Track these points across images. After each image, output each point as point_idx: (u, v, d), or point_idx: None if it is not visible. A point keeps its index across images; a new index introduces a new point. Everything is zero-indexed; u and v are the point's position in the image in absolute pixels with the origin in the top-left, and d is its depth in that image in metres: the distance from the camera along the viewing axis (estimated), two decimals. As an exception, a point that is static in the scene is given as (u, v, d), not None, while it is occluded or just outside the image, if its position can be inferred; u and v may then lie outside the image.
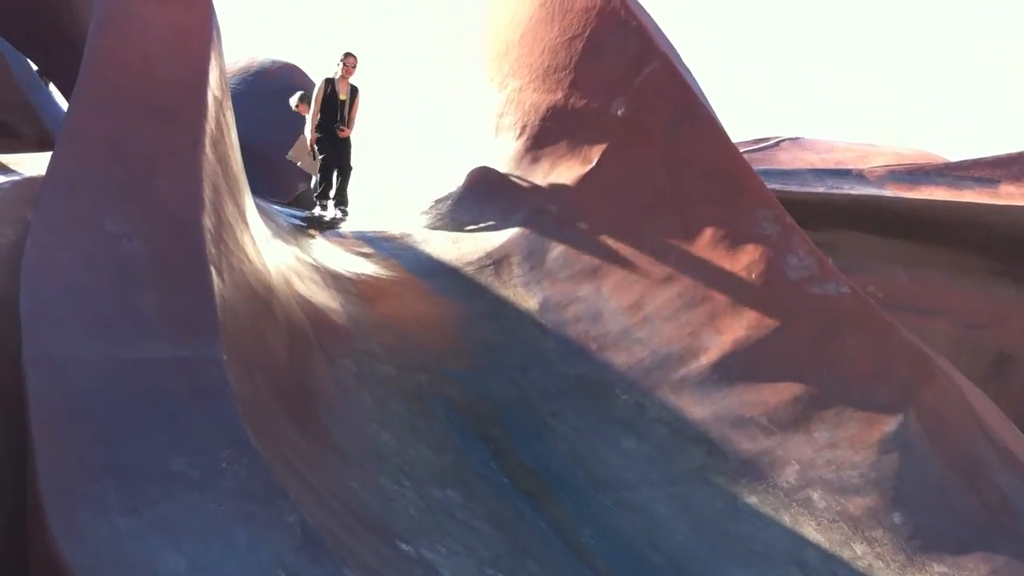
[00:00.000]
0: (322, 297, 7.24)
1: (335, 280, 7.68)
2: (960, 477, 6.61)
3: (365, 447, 5.77)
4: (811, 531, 6.24)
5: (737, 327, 7.46)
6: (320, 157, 10.50)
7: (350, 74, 10.46)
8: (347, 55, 10.52)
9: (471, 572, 5.13)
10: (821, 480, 6.53)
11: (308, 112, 10.69)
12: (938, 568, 6.08)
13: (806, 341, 7.36)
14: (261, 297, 6.14)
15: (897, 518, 6.33)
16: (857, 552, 6.17)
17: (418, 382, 6.84)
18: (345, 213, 10.32)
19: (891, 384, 7.06)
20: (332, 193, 10.57)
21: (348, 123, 10.52)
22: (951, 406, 7.16)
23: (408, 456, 5.92)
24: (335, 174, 10.57)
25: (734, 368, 7.24)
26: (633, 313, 7.73)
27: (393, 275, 8.24)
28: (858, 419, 6.81)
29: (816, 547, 6.15)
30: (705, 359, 7.32)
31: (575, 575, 5.71)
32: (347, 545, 4.55)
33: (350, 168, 10.59)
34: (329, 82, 10.45)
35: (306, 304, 6.88)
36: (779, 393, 7.03)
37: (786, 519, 6.36)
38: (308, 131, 10.60)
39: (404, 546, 4.99)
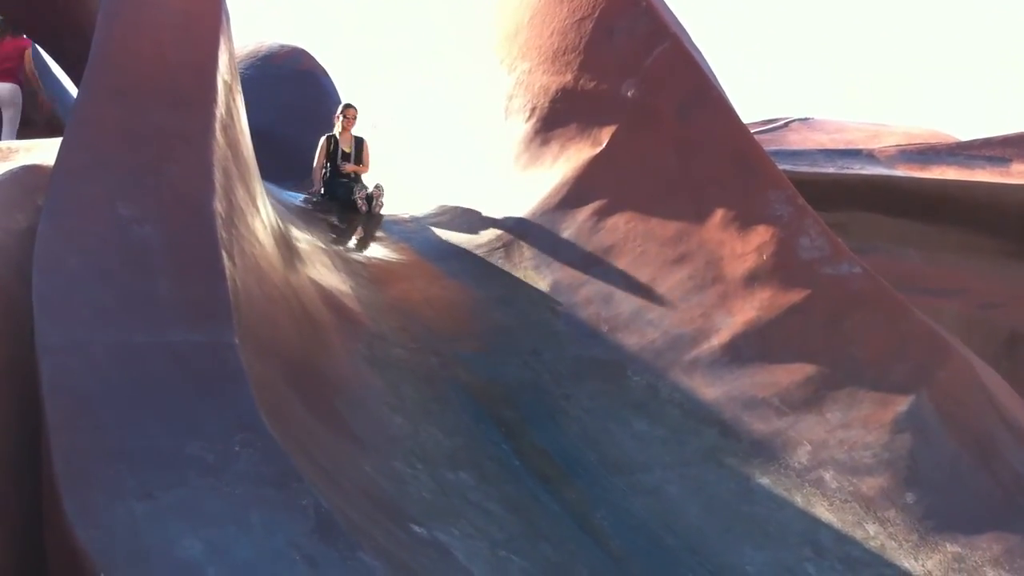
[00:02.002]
0: (333, 281, 7.25)
1: (345, 264, 7.69)
2: (974, 457, 6.60)
3: (378, 430, 5.79)
4: (824, 511, 6.24)
5: (749, 308, 7.45)
6: (333, 200, 10.10)
7: (351, 126, 10.26)
8: (346, 107, 10.30)
9: (484, 554, 5.14)
10: (834, 460, 6.53)
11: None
12: (951, 548, 6.08)
13: (819, 322, 7.35)
14: (273, 281, 6.15)
15: (910, 498, 6.32)
16: (870, 532, 6.17)
17: (430, 365, 6.85)
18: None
19: (904, 365, 7.05)
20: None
21: (362, 164, 10.32)
22: (964, 386, 7.14)
23: (421, 439, 5.94)
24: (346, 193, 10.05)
25: (746, 349, 7.23)
26: (645, 295, 7.72)
27: (403, 258, 8.26)
28: (871, 400, 6.80)
29: (829, 527, 6.15)
30: (717, 340, 7.32)
31: (589, 557, 5.72)
32: (361, 528, 4.57)
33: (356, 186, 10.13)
34: (331, 139, 10.20)
35: (317, 288, 6.89)
36: (791, 374, 7.02)
37: (799, 500, 6.36)
38: (315, 179, 10.29)
39: (418, 529, 5.00)
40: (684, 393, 7.04)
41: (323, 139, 10.08)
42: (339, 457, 5.23)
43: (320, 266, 7.33)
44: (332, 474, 4.91)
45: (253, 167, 6.93)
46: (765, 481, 6.47)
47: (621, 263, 7.98)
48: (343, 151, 10.06)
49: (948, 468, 6.49)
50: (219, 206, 5.70)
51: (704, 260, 7.82)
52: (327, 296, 6.90)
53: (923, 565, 6.00)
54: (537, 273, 8.09)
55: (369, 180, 10.30)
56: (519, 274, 8.11)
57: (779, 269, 7.60)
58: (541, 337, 7.40)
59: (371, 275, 7.72)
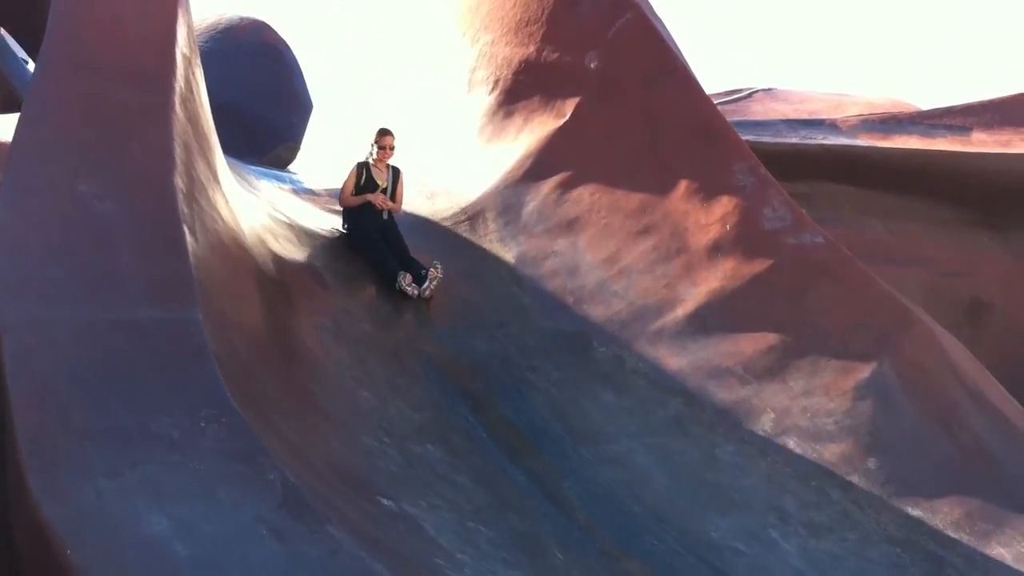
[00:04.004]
0: (298, 255, 7.22)
1: (310, 238, 7.66)
2: (935, 423, 6.70)
3: (345, 405, 5.79)
4: (788, 478, 6.31)
5: (713, 279, 7.50)
6: (362, 247, 8.05)
7: (388, 156, 8.42)
8: (383, 134, 8.47)
9: (453, 526, 5.17)
10: (797, 428, 6.61)
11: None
12: (913, 512, 6.18)
13: (782, 292, 7.41)
14: (236, 257, 6.11)
15: (872, 464, 6.41)
16: (833, 497, 6.25)
17: (396, 339, 6.85)
18: (424, 276, 7.65)
19: (866, 333, 7.13)
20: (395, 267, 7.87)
21: (396, 201, 8.39)
22: (926, 354, 7.24)
23: (388, 413, 5.95)
24: (385, 252, 7.96)
25: (710, 319, 7.29)
26: (610, 266, 7.75)
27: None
28: (833, 368, 6.88)
29: (792, 493, 6.23)
30: (682, 311, 7.37)
31: (556, 526, 5.77)
32: (329, 501, 4.58)
33: (403, 242, 8.11)
34: (362, 168, 8.37)
35: (282, 263, 6.86)
36: (755, 343, 7.08)
37: (763, 467, 6.43)
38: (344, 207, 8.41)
39: (386, 502, 5.02)
40: (650, 363, 7.08)
41: (353, 168, 8.37)
42: (306, 432, 5.23)
43: (284, 241, 7.29)
44: (299, 449, 4.91)
45: (214, 141, 6.87)
46: (730, 449, 6.55)
47: (586, 235, 8.00)
48: (377, 184, 8.31)
49: (909, 434, 6.59)
50: (180, 181, 5.65)
51: (669, 231, 7.86)
52: (292, 271, 6.87)
53: (886, 529, 6.10)
54: (502, 246, 8.10)
55: (331, 148, 10.16)
56: (484, 247, 8.11)
57: (743, 239, 7.65)
58: (507, 310, 7.41)
59: (336, 249, 7.68)
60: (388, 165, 8.45)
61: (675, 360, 7.09)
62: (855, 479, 6.33)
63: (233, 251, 6.13)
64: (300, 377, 5.72)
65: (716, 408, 6.78)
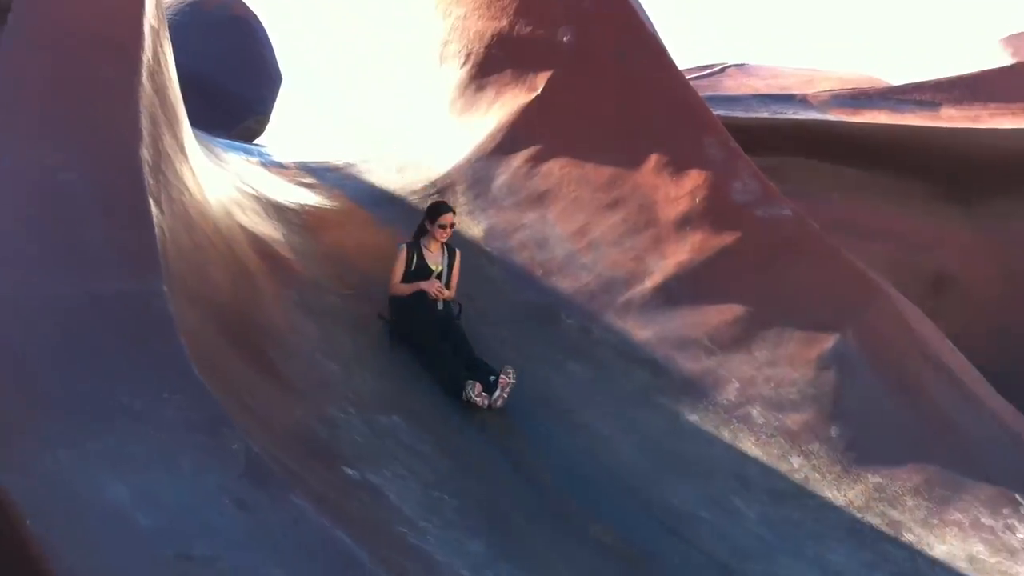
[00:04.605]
0: (265, 228, 7.21)
1: (277, 211, 7.65)
2: (896, 392, 6.79)
3: (310, 377, 5.80)
4: (750, 446, 6.39)
5: (681, 251, 7.55)
6: (416, 344, 6.92)
7: (446, 237, 7.24)
8: (441, 211, 7.24)
9: (416, 495, 5.21)
10: (761, 397, 6.68)
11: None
12: (872, 478, 6.27)
13: (749, 264, 7.47)
14: (203, 229, 6.11)
15: (834, 432, 6.49)
16: (794, 465, 6.33)
17: (362, 312, 6.87)
18: (494, 383, 6.60)
19: (831, 305, 7.21)
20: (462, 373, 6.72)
21: (451, 287, 7.25)
22: (889, 325, 7.32)
23: (353, 384, 5.97)
24: (446, 353, 6.83)
25: (678, 291, 7.34)
26: (578, 239, 7.79)
27: (336, 205, 8.22)
28: (798, 338, 6.95)
29: (755, 461, 6.31)
30: (650, 283, 7.41)
31: (521, 495, 5.82)
32: (293, 471, 4.60)
33: (465, 337, 7.00)
34: (413, 249, 7.16)
35: (249, 235, 6.86)
36: (721, 314, 7.14)
37: (726, 435, 6.51)
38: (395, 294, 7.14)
39: (350, 471, 5.05)
40: (617, 335, 7.14)
41: (402, 250, 7.14)
42: (271, 403, 5.24)
43: (252, 213, 7.29)
44: (263, 419, 4.93)
45: (181, 114, 6.85)
46: (694, 418, 6.61)
47: (556, 208, 8.03)
48: (430, 269, 7.13)
49: (871, 403, 6.67)
50: (146, 153, 5.64)
51: (638, 204, 7.89)
52: (259, 244, 6.87)
53: (845, 495, 6.18)
54: (472, 219, 8.12)
55: (304, 127, 10.06)
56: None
57: (712, 212, 7.70)
58: (476, 282, 7.43)
59: (304, 222, 7.68)
60: (443, 245, 7.25)
61: (642, 331, 7.15)
62: (816, 447, 6.42)
63: (200, 224, 6.12)
64: (265, 349, 5.73)
65: (682, 378, 6.84)
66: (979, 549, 5.94)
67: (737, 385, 6.78)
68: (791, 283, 7.35)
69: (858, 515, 6.05)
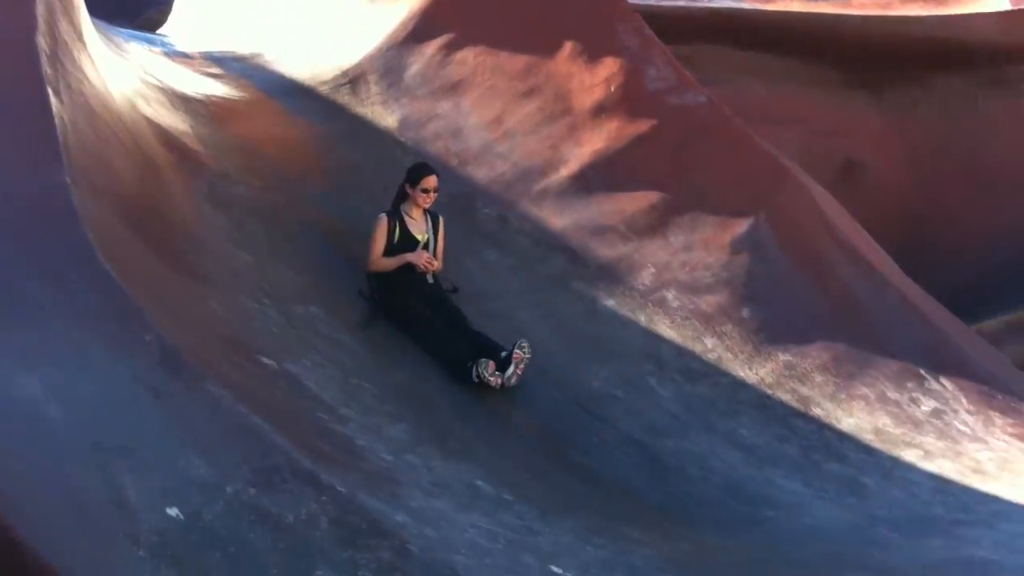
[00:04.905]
0: (171, 119, 7.00)
1: (184, 102, 7.42)
2: (806, 274, 6.94)
3: (223, 268, 5.71)
4: (665, 328, 6.50)
5: (597, 139, 7.54)
6: (408, 326, 6.30)
7: (430, 202, 6.65)
8: (424, 172, 6.66)
9: (336, 383, 5.21)
10: (675, 281, 6.78)
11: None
12: (782, 357, 6.43)
13: (664, 151, 7.51)
14: (106, 120, 5.91)
15: (745, 313, 6.63)
16: (708, 346, 6.47)
17: (276, 203, 6.75)
18: (507, 359, 6.06)
19: (744, 190, 7.30)
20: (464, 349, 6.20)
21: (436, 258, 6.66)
22: (800, 209, 7.45)
23: (268, 275, 5.90)
24: (443, 330, 6.30)
25: (594, 179, 7.35)
26: (494, 128, 7.73)
27: (245, 95, 8.00)
28: (712, 223, 7.04)
29: (669, 343, 6.43)
30: (565, 171, 7.41)
31: (441, 382, 5.87)
32: (208, 361, 4.55)
33: (460, 311, 6.45)
34: (394, 218, 6.55)
35: (155, 127, 6.65)
36: (637, 201, 7.19)
37: (642, 319, 6.61)
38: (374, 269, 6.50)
39: (267, 360, 5.02)
40: (533, 223, 7.15)
41: (382, 220, 6.53)
42: (182, 294, 5.16)
43: (157, 104, 7.06)
44: (175, 311, 4.85)
45: (77, 1, 6.57)
46: (611, 303, 6.69)
47: (470, 97, 7.93)
48: (415, 239, 6.55)
49: (782, 285, 6.81)
50: (43, 41, 5.43)
51: (553, 92, 7.85)
52: (165, 135, 6.67)
53: (756, 373, 6.35)
54: (385, 109, 7.98)
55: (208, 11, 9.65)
56: (366, 110, 7.97)
57: (626, 100, 7.69)
58: (390, 173, 7.32)
59: (211, 113, 7.47)
60: (425, 211, 6.67)
61: (558, 219, 7.17)
62: (729, 328, 6.55)
63: (102, 114, 5.92)
64: (175, 241, 5.61)
65: (598, 264, 6.90)
66: (885, 422, 6.17)
67: (653, 270, 6.87)
68: (705, 169, 7.41)
69: (769, 392, 6.23)
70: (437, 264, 6.57)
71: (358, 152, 7.59)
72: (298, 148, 7.30)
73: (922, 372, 6.46)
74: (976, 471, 5.84)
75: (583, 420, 5.91)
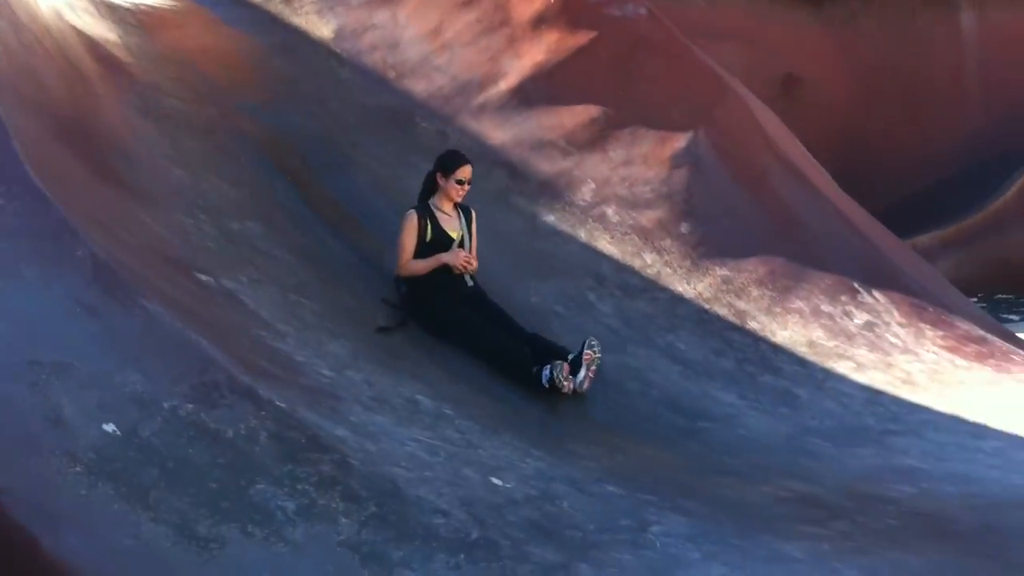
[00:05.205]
0: (99, 30, 6.78)
1: (111, 11, 7.17)
2: (745, 188, 7.00)
3: (156, 183, 5.59)
4: (605, 244, 6.52)
5: (536, 51, 7.46)
6: (457, 335, 5.67)
7: (462, 195, 5.96)
8: (459, 161, 5.93)
9: (275, 299, 5.16)
10: (616, 196, 6.79)
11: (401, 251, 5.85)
12: (720, 271, 6.51)
13: (604, 64, 7.46)
14: (31, 30, 5.70)
15: (684, 228, 6.68)
16: (647, 261, 6.51)
17: (210, 116, 6.60)
18: (578, 361, 5.50)
19: (684, 104, 7.30)
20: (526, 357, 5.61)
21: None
22: (740, 123, 7.48)
23: (203, 190, 5.78)
24: (498, 333, 5.68)
25: (534, 92, 7.30)
26: (432, 40, 7.60)
27: (174, 4, 7.74)
28: (652, 138, 7.04)
29: (610, 259, 6.46)
30: (505, 84, 7.34)
31: (380, 297, 5.83)
32: (143, 277, 4.48)
33: (507, 313, 5.86)
34: (424, 215, 5.84)
35: (83, 38, 6.44)
36: (577, 115, 7.15)
37: (582, 235, 6.63)
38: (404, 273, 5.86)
39: (204, 277, 4.95)
40: (473, 137, 7.09)
41: (412, 217, 5.83)
42: (116, 210, 5.04)
43: (84, 14, 6.82)
44: (109, 227, 4.75)
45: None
46: (551, 219, 6.69)
47: (407, 8, 7.79)
48: (449, 237, 5.88)
49: (721, 200, 6.87)
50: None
51: (492, 3, 7.74)
52: (94, 46, 6.46)
53: (695, 288, 6.42)
54: (320, 19, 7.80)
55: None
56: (300, 21, 7.79)
57: (566, 11, 7.62)
58: (326, 85, 7.22)
59: (140, 23, 7.23)
60: (456, 204, 5.97)
61: (499, 133, 7.11)
62: (668, 243, 6.60)
63: (28, 24, 5.71)
64: (106, 155, 5.47)
65: (538, 179, 6.88)
66: (819, 334, 6.28)
67: (593, 185, 6.86)
68: (645, 83, 7.39)
69: (706, 306, 6.31)
70: (475, 264, 5.85)
71: (293, 64, 7.44)
72: (231, 59, 7.13)
73: (856, 286, 6.58)
74: (906, 382, 5.98)
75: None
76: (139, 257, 4.77)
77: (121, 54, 6.68)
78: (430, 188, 5.95)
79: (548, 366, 5.38)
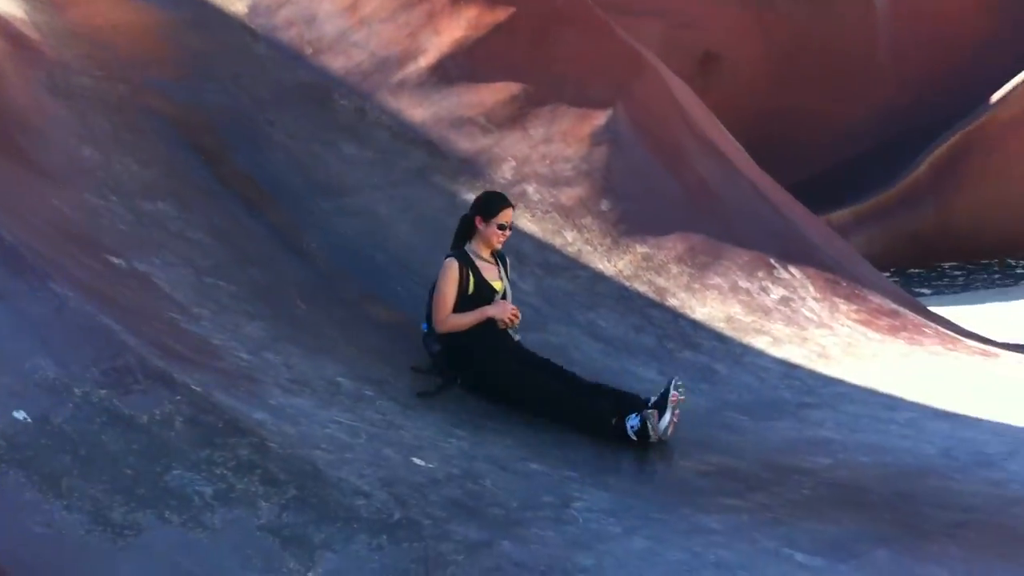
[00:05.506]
0: (5, 7, 6.57)
1: (16, -16, 6.96)
2: (664, 165, 7.05)
3: (65, 163, 5.45)
4: (526, 223, 6.51)
5: (456, 28, 7.41)
6: (516, 393, 5.14)
7: (502, 242, 5.46)
8: (503, 205, 5.42)
9: (189, 281, 5.06)
10: (536, 174, 6.79)
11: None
12: (640, 248, 6.55)
13: (523, 40, 7.45)
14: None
15: (605, 205, 6.71)
16: (568, 239, 6.53)
17: (120, 93, 6.43)
18: (664, 405, 4.94)
19: (603, 80, 7.32)
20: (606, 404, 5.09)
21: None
22: (658, 100, 7.53)
23: (113, 170, 5.64)
24: (568, 390, 5.13)
25: (453, 69, 7.24)
26: (350, 15, 7.50)
27: (83, -22, 7.54)
28: (572, 115, 7.05)
29: (530, 237, 6.46)
30: (424, 61, 7.27)
31: (299, 277, 5.76)
32: (52, 260, 4.37)
33: (559, 366, 5.30)
34: (465, 263, 5.31)
35: (-16, 12, 6.24)
36: (496, 93, 7.13)
37: (504, 213, 6.59)
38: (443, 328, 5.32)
39: (115, 259, 4.84)
40: (392, 115, 7.02)
41: (452, 266, 5.30)
42: (22, 191, 4.91)
43: (-14, -11, 6.61)
44: (14, 208, 4.62)
45: None
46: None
47: (327, -18, 7.65)
48: (491, 288, 5.36)
49: (640, 176, 6.91)
50: None
51: (410, -22, 7.64)
52: (0, 24, 6.28)
53: (615, 265, 6.45)
54: (234, -7, 7.64)
55: None
56: (214, -5, 7.63)
57: (485, -13, 7.55)
58: (241, 61, 7.07)
59: (48, -2, 7.03)
60: (495, 254, 5.47)
61: (418, 111, 7.05)
62: (588, 221, 6.62)
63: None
64: (11, 134, 5.31)
65: (458, 157, 6.84)
66: (736, 310, 6.37)
67: (513, 163, 6.85)
68: (564, 59, 7.40)
69: (627, 283, 6.35)
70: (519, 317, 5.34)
71: (206, 39, 7.26)
72: (141, 35, 6.94)
73: (772, 261, 6.68)
74: (821, 356, 6.10)
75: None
76: (48, 239, 4.65)
77: (28, 31, 6.48)
78: (465, 232, 5.43)
79: (637, 416, 4.91)
